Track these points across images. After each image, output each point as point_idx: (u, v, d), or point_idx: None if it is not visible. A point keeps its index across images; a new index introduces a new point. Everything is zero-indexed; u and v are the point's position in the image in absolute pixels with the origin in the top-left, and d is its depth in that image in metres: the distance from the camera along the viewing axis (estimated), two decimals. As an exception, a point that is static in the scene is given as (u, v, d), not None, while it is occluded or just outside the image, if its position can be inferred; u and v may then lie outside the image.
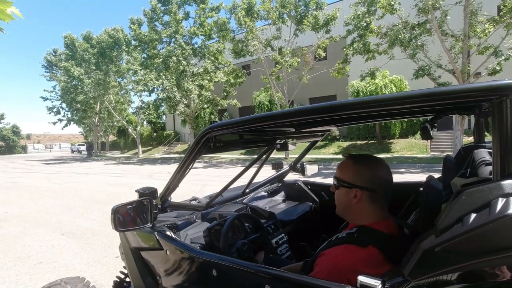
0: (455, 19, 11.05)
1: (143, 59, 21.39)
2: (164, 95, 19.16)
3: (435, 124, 0.93)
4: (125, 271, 1.96)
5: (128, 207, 1.39)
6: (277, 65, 16.23)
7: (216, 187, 2.39)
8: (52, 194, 8.31)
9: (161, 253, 1.41)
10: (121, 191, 8.41)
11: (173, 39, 19.87)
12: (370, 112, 0.99)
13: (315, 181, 2.46)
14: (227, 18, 16.86)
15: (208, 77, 19.32)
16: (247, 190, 2.23)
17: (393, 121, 11.96)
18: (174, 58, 18.07)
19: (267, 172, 2.35)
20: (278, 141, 1.69)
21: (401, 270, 0.71)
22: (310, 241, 2.02)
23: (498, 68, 10.13)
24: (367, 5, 11.75)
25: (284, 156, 15.47)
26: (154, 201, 1.45)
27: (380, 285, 0.70)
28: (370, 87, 15.33)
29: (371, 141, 17.56)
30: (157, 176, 11.89)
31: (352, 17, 12.35)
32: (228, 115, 25.55)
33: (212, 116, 22.24)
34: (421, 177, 7.42)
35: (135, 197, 1.48)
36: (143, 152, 27.47)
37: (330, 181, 1.14)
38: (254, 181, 2.20)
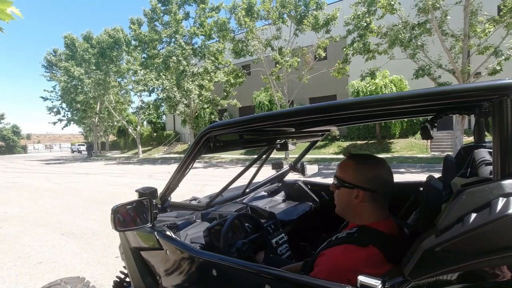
0: (455, 19, 11.05)
1: (143, 59, 21.40)
2: (164, 95, 19.17)
3: (435, 124, 0.93)
4: (125, 271, 1.96)
5: (128, 207, 1.39)
6: (277, 65, 16.23)
7: (216, 187, 2.39)
8: (52, 194, 8.31)
9: (161, 253, 1.41)
10: (121, 191, 8.41)
11: (173, 39, 19.88)
12: (370, 112, 0.99)
13: (315, 181, 2.46)
14: (227, 18, 16.86)
15: (208, 77, 19.33)
16: (247, 190, 2.23)
17: (393, 121, 11.96)
18: (174, 58, 18.07)
19: (267, 172, 2.35)
20: (278, 141, 1.69)
21: (401, 270, 0.71)
22: (310, 241, 2.02)
23: (498, 68, 10.14)
24: (367, 5, 11.75)
25: (284, 156, 15.47)
26: (154, 201, 1.45)
27: (380, 285, 0.70)
28: (370, 87, 15.33)
29: (371, 141, 17.56)
30: (157, 176, 11.89)
31: (352, 17, 12.35)
32: (228, 115, 25.55)
33: (212, 116, 22.23)
34: (421, 177, 7.42)
35: (135, 197, 1.47)
36: (143, 152, 27.48)
37: (330, 181, 1.13)
38: (254, 181, 2.20)
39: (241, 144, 1.48)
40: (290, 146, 1.71)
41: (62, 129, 30.08)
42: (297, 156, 2.45)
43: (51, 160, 26.61)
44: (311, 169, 2.49)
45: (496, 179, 0.66)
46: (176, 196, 1.55)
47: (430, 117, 0.95)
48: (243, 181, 2.09)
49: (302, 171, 2.43)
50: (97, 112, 27.12)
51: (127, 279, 2.01)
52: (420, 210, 1.07)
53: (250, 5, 15.54)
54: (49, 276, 3.12)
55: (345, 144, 18.03)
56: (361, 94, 15.52)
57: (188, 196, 2.32)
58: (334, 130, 2.49)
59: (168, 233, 1.41)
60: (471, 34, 10.59)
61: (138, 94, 23.70)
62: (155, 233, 1.41)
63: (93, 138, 31.74)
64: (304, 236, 2.09)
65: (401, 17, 11.33)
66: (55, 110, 29.04)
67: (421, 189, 1.66)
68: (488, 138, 1.17)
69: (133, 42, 22.43)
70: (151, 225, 1.42)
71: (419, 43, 11.23)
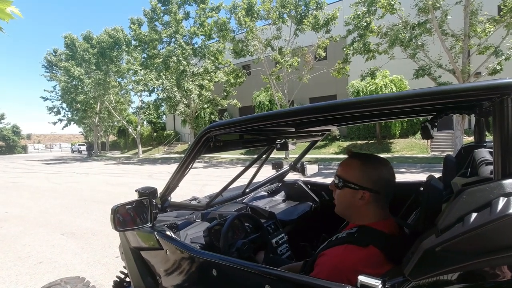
0: (456, 19, 11.04)
1: (143, 59, 21.40)
2: (164, 95, 19.17)
3: (436, 124, 0.92)
4: (125, 271, 1.96)
5: (128, 207, 1.39)
6: (277, 65, 16.23)
7: (216, 187, 2.39)
8: (52, 194, 8.31)
9: (161, 253, 1.41)
10: (121, 191, 8.41)
11: (173, 39, 19.89)
12: (370, 112, 0.99)
13: (315, 181, 2.46)
14: (227, 18, 16.86)
15: (208, 77, 19.33)
16: (247, 190, 2.23)
17: (393, 121, 11.95)
18: (174, 58, 18.07)
19: (267, 172, 2.35)
20: (278, 140, 1.69)
21: (401, 270, 0.71)
22: (310, 241, 2.02)
23: (498, 67, 10.13)
24: (367, 5, 11.75)
25: (284, 156, 15.47)
26: (154, 201, 1.45)
27: (381, 285, 0.69)
28: (370, 87, 15.33)
29: (371, 141, 17.56)
30: (157, 176, 11.89)
31: (352, 17, 12.35)
32: (228, 115, 25.55)
33: (212, 116, 22.22)
34: (422, 176, 7.41)
35: (135, 197, 1.47)
36: (143, 152, 27.49)
37: (330, 181, 1.12)
38: (254, 181, 2.20)
39: (241, 144, 1.48)
40: (290, 146, 1.70)
41: (62, 129, 30.13)
42: (297, 156, 2.45)
43: (51, 160, 26.62)
44: (311, 169, 2.49)
45: (496, 178, 0.66)
46: (176, 196, 1.55)
47: (430, 116, 0.95)
48: (243, 181, 2.09)
49: (302, 171, 2.42)
50: (97, 112, 27.13)
51: (127, 279, 2.01)
52: (420, 210, 1.07)
53: (250, 5, 15.54)
54: (49, 276, 3.12)
55: (345, 144, 18.03)
56: (361, 94, 15.52)
57: (188, 196, 2.32)
58: (334, 130, 2.49)
59: (168, 233, 1.41)
60: (471, 34, 10.59)
61: (138, 94, 23.71)
62: (155, 233, 1.41)
63: (93, 138, 31.75)
64: (304, 236, 2.09)
65: (401, 17, 11.32)
66: (55, 110, 29.07)
67: (422, 189, 1.66)
68: (489, 138, 1.17)
69: (133, 42, 22.44)
70: (151, 225, 1.42)
71: (419, 43, 11.23)
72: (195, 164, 1.44)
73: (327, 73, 16.61)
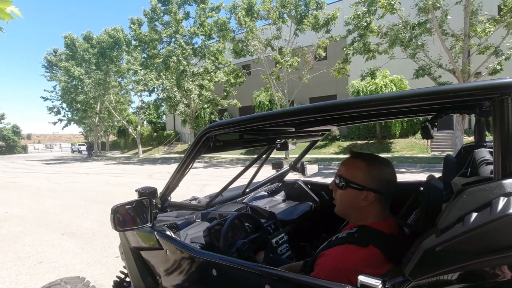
0: (456, 19, 11.04)
1: (143, 59, 21.40)
2: (164, 95, 19.17)
3: (436, 124, 0.92)
4: (125, 271, 1.96)
5: (127, 206, 1.39)
6: (277, 65, 16.23)
7: (216, 187, 2.39)
8: (52, 194, 8.32)
9: (161, 253, 1.41)
10: (121, 191, 8.41)
11: (173, 39, 19.88)
12: (370, 111, 0.99)
13: (315, 181, 2.46)
14: (227, 18, 16.85)
15: (208, 77, 19.33)
16: (247, 190, 2.23)
17: (393, 120, 11.93)
18: (174, 58, 18.07)
19: (267, 171, 2.35)
20: (278, 140, 1.69)
21: (401, 270, 0.70)
22: (310, 240, 2.01)
23: (498, 67, 10.13)
24: (367, 4, 11.75)
25: (284, 155, 15.46)
26: (154, 200, 1.45)
27: (381, 285, 0.69)
28: (370, 87, 15.33)
29: (372, 141, 17.56)
30: (157, 176, 11.89)
31: (352, 16, 12.35)
32: (228, 115, 25.55)
33: (212, 116, 22.22)
34: (422, 176, 7.40)
35: (135, 197, 1.47)
36: (143, 152, 27.49)
37: (330, 181, 1.12)
38: (254, 180, 2.20)
39: (241, 144, 1.48)
40: (290, 146, 1.70)
41: (62, 129, 30.16)
42: (297, 156, 2.45)
43: (51, 160, 26.62)
44: (311, 169, 2.49)
45: (497, 178, 0.66)
46: (176, 196, 1.55)
47: (431, 116, 0.95)
48: (243, 181, 2.09)
49: (302, 171, 2.42)
50: (97, 112, 27.13)
51: (127, 279, 2.01)
52: (420, 210, 1.07)
53: (250, 5, 15.53)
54: (49, 276, 3.12)
55: (345, 144, 18.03)
56: (361, 94, 15.52)
57: (188, 196, 2.32)
58: (334, 130, 2.49)
59: (168, 233, 1.41)
60: (472, 34, 10.58)
61: (138, 94, 23.71)
62: (155, 233, 1.41)
63: (93, 138, 31.75)
64: (304, 236, 2.09)
65: (401, 16, 11.32)
66: (55, 110, 29.07)
67: (422, 188, 1.66)
68: (489, 138, 1.17)
69: (133, 42, 22.43)
70: (151, 225, 1.42)
71: (419, 43, 11.23)
72: (195, 164, 1.43)
73: (327, 73, 16.60)
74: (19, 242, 4.30)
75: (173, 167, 14.85)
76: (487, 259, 0.60)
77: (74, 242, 4.19)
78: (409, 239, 0.87)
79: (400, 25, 11.30)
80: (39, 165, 20.54)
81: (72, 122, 29.60)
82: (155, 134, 32.13)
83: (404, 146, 15.74)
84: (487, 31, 10.03)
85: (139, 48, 21.65)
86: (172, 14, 19.28)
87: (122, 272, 2.03)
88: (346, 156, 1.08)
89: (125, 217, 1.38)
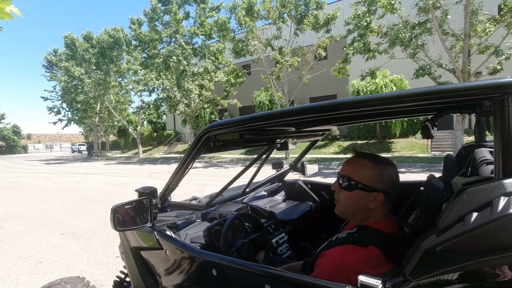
0: (456, 19, 11.03)
1: (143, 59, 21.40)
2: (165, 95, 19.16)
3: (436, 123, 0.92)
4: (125, 271, 1.96)
5: (127, 206, 1.39)
6: (277, 65, 16.23)
7: (217, 186, 2.39)
8: (52, 194, 8.32)
9: (161, 253, 1.40)
10: (122, 191, 8.41)
11: (173, 39, 19.87)
12: (371, 111, 0.98)
13: (316, 181, 2.46)
14: (227, 18, 16.85)
15: (208, 77, 19.32)
16: (247, 190, 2.23)
17: (393, 120, 11.93)
18: (174, 58, 18.07)
19: (267, 171, 2.35)
20: (278, 140, 1.69)
21: (402, 270, 0.70)
22: (310, 240, 2.01)
23: (499, 67, 10.13)
24: (367, 4, 11.74)
25: (284, 155, 15.46)
26: (154, 200, 1.45)
27: (381, 285, 0.69)
28: (370, 86, 15.33)
29: (372, 141, 17.56)
30: (157, 176, 11.89)
31: (352, 16, 12.35)
32: (228, 115, 25.55)
33: (213, 116, 22.22)
34: (422, 176, 7.40)
35: (135, 196, 1.47)
36: (144, 152, 27.50)
37: (330, 180, 1.12)
38: (254, 180, 2.20)
39: (241, 144, 1.48)
40: (290, 146, 1.70)
41: (63, 129, 30.18)
42: (297, 155, 2.44)
43: (51, 160, 26.63)
44: (311, 168, 2.49)
45: (497, 178, 0.66)
46: (176, 196, 1.54)
47: (431, 116, 0.95)
48: (243, 180, 2.09)
49: (302, 170, 2.42)
50: (98, 112, 27.14)
51: (127, 279, 2.01)
52: (420, 210, 1.07)
53: (250, 4, 15.53)
54: (49, 276, 3.12)
55: (346, 143, 18.02)
56: (361, 93, 15.51)
57: (188, 195, 2.32)
58: (334, 129, 2.49)
59: (168, 232, 1.41)
60: (472, 34, 10.58)
61: (138, 94, 23.71)
62: (155, 232, 1.40)
63: (93, 138, 31.76)
64: (305, 235, 2.09)
65: (401, 16, 11.32)
66: (55, 110, 29.10)
67: (422, 188, 1.66)
68: (489, 137, 1.16)
69: (133, 42, 22.43)
70: (151, 225, 1.42)
71: (419, 43, 11.23)
72: (195, 164, 1.44)
73: (327, 73, 16.60)
74: (19, 242, 4.30)
75: (173, 167, 14.86)
76: (488, 259, 0.60)
77: (74, 242, 4.19)
78: (410, 239, 0.87)
79: (400, 25, 11.30)
80: (39, 165, 20.55)
81: (72, 122, 29.62)
82: (155, 134, 32.14)
83: (404, 146, 15.73)
84: (487, 30, 10.02)
85: (139, 48, 21.65)
86: (172, 14, 19.27)
87: (122, 272, 2.03)
88: (348, 155, 1.07)
89: (125, 217, 1.38)
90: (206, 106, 20.94)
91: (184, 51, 18.40)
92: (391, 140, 16.83)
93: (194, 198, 2.10)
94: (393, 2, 10.82)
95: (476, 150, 1.44)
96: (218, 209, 1.95)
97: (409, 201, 1.65)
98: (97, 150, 30.89)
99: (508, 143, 0.64)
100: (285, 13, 15.45)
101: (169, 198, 1.56)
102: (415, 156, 13.78)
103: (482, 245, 0.60)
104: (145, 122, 33.31)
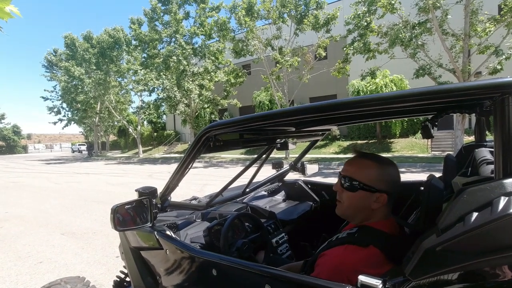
0: (456, 18, 11.03)
1: (143, 59, 21.40)
2: (165, 94, 19.17)
3: (436, 123, 0.92)
4: (125, 271, 1.96)
5: (127, 206, 1.39)
6: (277, 65, 16.23)
7: (217, 186, 2.39)
8: (52, 194, 8.32)
9: (161, 253, 1.40)
10: (122, 191, 8.41)
11: (173, 39, 19.88)
12: (371, 111, 0.98)
13: (316, 181, 2.45)
14: (227, 18, 16.85)
15: (209, 77, 19.33)
16: (247, 190, 2.22)
17: (393, 120, 11.91)
18: (174, 57, 18.07)
19: (267, 171, 2.34)
20: (278, 140, 1.69)
21: (402, 270, 0.70)
22: (310, 240, 2.01)
23: (499, 67, 10.13)
24: (367, 4, 11.74)
25: (284, 155, 15.46)
26: (154, 200, 1.45)
27: (381, 285, 0.69)
28: (370, 86, 15.33)
29: (372, 141, 17.55)
30: (157, 176, 11.89)
31: (352, 16, 12.35)
32: (228, 114, 25.55)
33: (213, 116, 22.21)
34: (422, 176, 7.40)
35: (135, 196, 1.47)
36: (144, 152, 27.50)
37: (330, 180, 1.12)
38: (254, 180, 2.20)
39: (241, 144, 1.48)
40: (290, 146, 1.70)
41: (63, 129, 30.25)
42: (297, 155, 2.44)
43: (51, 160, 26.63)
44: (311, 168, 2.49)
45: (497, 178, 0.66)
46: (176, 196, 1.54)
47: (431, 116, 0.95)
48: (243, 180, 2.09)
49: (302, 170, 2.42)
50: (98, 112, 27.14)
51: (127, 279, 2.01)
52: (421, 210, 1.07)
53: (250, 4, 15.53)
54: (49, 276, 3.12)
55: (346, 143, 18.02)
56: (361, 93, 15.52)
57: (188, 195, 2.32)
58: (334, 129, 2.49)
59: (168, 232, 1.41)
60: (472, 34, 10.57)
61: (139, 94, 23.71)
62: (155, 232, 1.40)
63: (93, 138, 31.77)
64: (305, 235, 2.09)
65: (401, 16, 11.31)
66: (55, 110, 29.11)
67: (422, 188, 1.66)
68: (489, 137, 1.16)
69: (133, 42, 22.43)
70: (151, 225, 1.41)
71: (419, 43, 11.22)
72: (195, 164, 1.44)
73: (327, 73, 16.60)
74: (19, 242, 4.30)
75: (173, 167, 14.85)
76: (488, 259, 0.60)
77: (74, 242, 4.19)
78: (410, 239, 0.87)
79: (400, 25, 11.30)
80: (40, 165, 20.55)
81: (72, 122, 29.63)
82: (155, 134, 32.14)
83: (404, 146, 15.73)
84: (487, 30, 10.02)
85: (139, 48, 21.65)
86: (172, 14, 19.27)
87: (122, 272, 2.03)
88: (348, 155, 1.07)
89: (125, 217, 1.38)
90: (206, 106, 20.94)
91: (184, 51, 18.40)
92: (391, 140, 16.83)
93: (194, 198, 2.10)
94: (393, 2, 10.82)
95: (476, 150, 1.44)
96: (218, 209, 1.95)
97: (409, 201, 1.65)
98: (97, 150, 30.90)
99: (508, 143, 0.64)
100: (285, 13, 15.45)
101: (169, 198, 1.56)
102: (415, 156, 13.78)
103: (482, 245, 0.60)
104: (145, 122, 33.32)
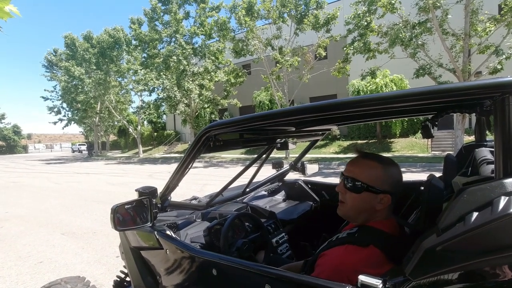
0: (456, 18, 11.02)
1: (143, 59, 21.40)
2: (165, 94, 19.17)
3: (436, 123, 0.92)
4: (125, 271, 1.96)
5: (127, 206, 1.39)
6: (277, 65, 16.22)
7: (217, 186, 2.39)
8: (52, 194, 8.32)
9: (161, 253, 1.40)
10: (122, 191, 8.42)
11: (173, 39, 19.88)
12: (371, 111, 0.98)
13: (316, 180, 2.45)
14: (228, 18, 16.85)
15: (209, 77, 19.32)
16: (248, 189, 2.22)
17: (393, 120, 11.90)
18: (174, 57, 18.07)
19: (267, 171, 2.34)
20: (278, 140, 1.68)
21: (402, 270, 0.70)
22: (310, 240, 2.01)
23: (499, 67, 10.13)
24: (367, 4, 11.74)
25: (284, 155, 15.46)
26: (154, 200, 1.45)
27: (381, 285, 0.69)
28: (370, 86, 15.32)
29: (372, 140, 17.55)
30: (157, 176, 11.89)
31: (352, 16, 12.34)
32: (228, 114, 25.55)
33: (213, 116, 22.19)
34: (422, 176, 7.40)
35: (135, 196, 1.47)
36: (144, 151, 27.50)
37: (330, 180, 1.12)
38: (255, 180, 2.20)
39: (241, 143, 1.47)
40: (291, 145, 1.70)
41: (63, 128, 30.31)
42: (297, 155, 2.44)
43: (51, 160, 26.64)
44: (311, 168, 2.49)
45: (497, 177, 0.66)
46: (176, 196, 1.54)
47: (431, 116, 0.95)
48: (243, 180, 2.09)
49: (302, 170, 2.42)
50: (98, 112, 27.15)
51: (127, 279, 2.01)
52: (421, 209, 1.07)
53: (250, 4, 15.52)
54: (50, 276, 3.12)
55: (346, 143, 18.02)
56: (361, 93, 15.51)
57: (188, 195, 2.32)
58: (335, 129, 2.49)
59: (168, 232, 1.41)
60: (472, 33, 10.57)
61: (139, 93, 23.71)
62: (155, 232, 1.40)
63: (93, 138, 31.77)
64: (305, 235, 2.09)
65: (401, 16, 11.31)
66: (55, 110, 29.13)
67: (422, 188, 1.66)
68: (489, 137, 1.16)
69: (133, 42, 22.43)
70: (151, 225, 1.41)
71: (419, 42, 11.21)
72: (195, 164, 1.43)
73: (327, 73, 16.59)
74: (19, 241, 4.30)
75: (173, 166, 14.85)
76: (488, 259, 0.60)
77: (75, 241, 4.20)
78: (410, 239, 0.87)
79: (400, 25, 11.29)
80: (40, 165, 20.56)
81: (73, 122, 29.64)
82: (155, 133, 32.14)
83: (405, 146, 15.73)
84: (488, 30, 10.01)
85: (139, 47, 21.65)
86: (172, 14, 19.27)
87: (122, 272, 2.03)
88: (348, 155, 1.06)
89: (125, 217, 1.38)
90: (206, 106, 20.94)
91: (184, 51, 18.40)
92: (391, 139, 16.82)
93: (194, 198, 2.10)
94: (393, 1, 10.81)
95: (477, 149, 1.44)
96: (218, 209, 1.95)
97: (409, 201, 1.64)
98: (97, 150, 30.91)
99: (508, 142, 0.64)
100: (285, 13, 15.44)
101: (169, 198, 1.56)
102: (415, 155, 13.78)
103: (482, 245, 0.60)
104: (145, 122, 33.32)
